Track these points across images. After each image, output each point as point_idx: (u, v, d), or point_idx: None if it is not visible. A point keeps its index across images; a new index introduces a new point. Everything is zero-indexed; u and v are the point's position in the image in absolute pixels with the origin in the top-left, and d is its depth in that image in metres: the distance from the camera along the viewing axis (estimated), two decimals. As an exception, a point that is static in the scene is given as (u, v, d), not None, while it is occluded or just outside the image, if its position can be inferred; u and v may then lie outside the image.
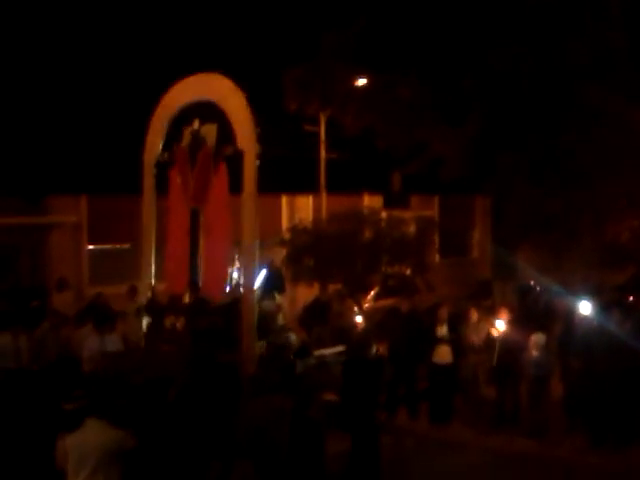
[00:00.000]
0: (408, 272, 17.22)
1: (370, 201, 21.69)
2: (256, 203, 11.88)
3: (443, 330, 12.70)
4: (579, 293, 13.55)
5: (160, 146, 13.41)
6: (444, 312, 12.85)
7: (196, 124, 12.85)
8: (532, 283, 17.06)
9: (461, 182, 18.64)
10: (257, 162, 11.82)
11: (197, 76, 12.95)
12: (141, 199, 13.62)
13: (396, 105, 18.06)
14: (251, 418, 8.78)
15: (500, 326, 12.27)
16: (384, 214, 18.55)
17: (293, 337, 12.97)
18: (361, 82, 18.66)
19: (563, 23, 16.76)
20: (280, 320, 13.88)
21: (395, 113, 18.15)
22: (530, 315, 13.53)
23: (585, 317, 12.51)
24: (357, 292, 16.47)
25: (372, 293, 16.87)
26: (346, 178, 20.33)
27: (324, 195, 20.41)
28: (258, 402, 8.95)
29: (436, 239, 21.61)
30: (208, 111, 12.54)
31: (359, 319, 14.74)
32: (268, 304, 13.88)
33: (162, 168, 13.40)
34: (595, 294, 13.67)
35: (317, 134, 20.23)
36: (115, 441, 7.03)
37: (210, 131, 12.65)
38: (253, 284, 12.18)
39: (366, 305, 16.45)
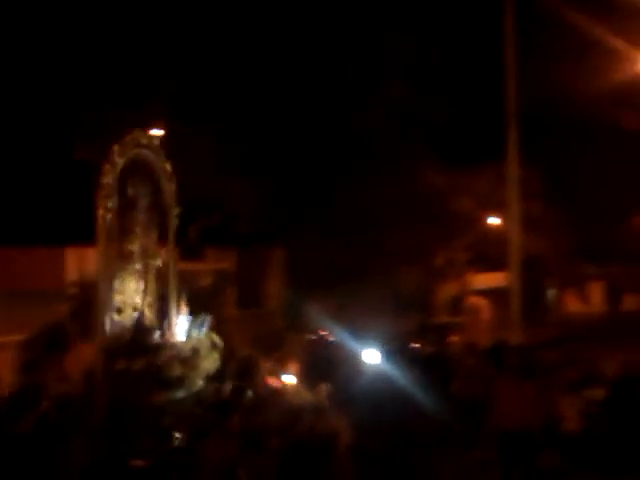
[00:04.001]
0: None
1: (166, 253, 21.24)
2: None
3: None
4: (367, 341, 13.85)
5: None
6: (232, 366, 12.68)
7: None
8: (322, 333, 17.32)
9: (258, 235, 18.76)
10: None
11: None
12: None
13: (191, 157, 17.96)
14: None
15: (288, 379, 12.25)
16: (180, 266, 18.21)
17: None
18: (156, 132, 18.40)
19: (359, 83, 17.44)
20: None
21: (190, 165, 18.02)
22: (316, 365, 13.65)
23: (371, 365, 12.76)
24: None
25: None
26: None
27: (117, 247, 19.75)
28: None
29: (233, 291, 21.56)
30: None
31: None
32: None
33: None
34: (382, 341, 14.03)
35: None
36: None
37: None
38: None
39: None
